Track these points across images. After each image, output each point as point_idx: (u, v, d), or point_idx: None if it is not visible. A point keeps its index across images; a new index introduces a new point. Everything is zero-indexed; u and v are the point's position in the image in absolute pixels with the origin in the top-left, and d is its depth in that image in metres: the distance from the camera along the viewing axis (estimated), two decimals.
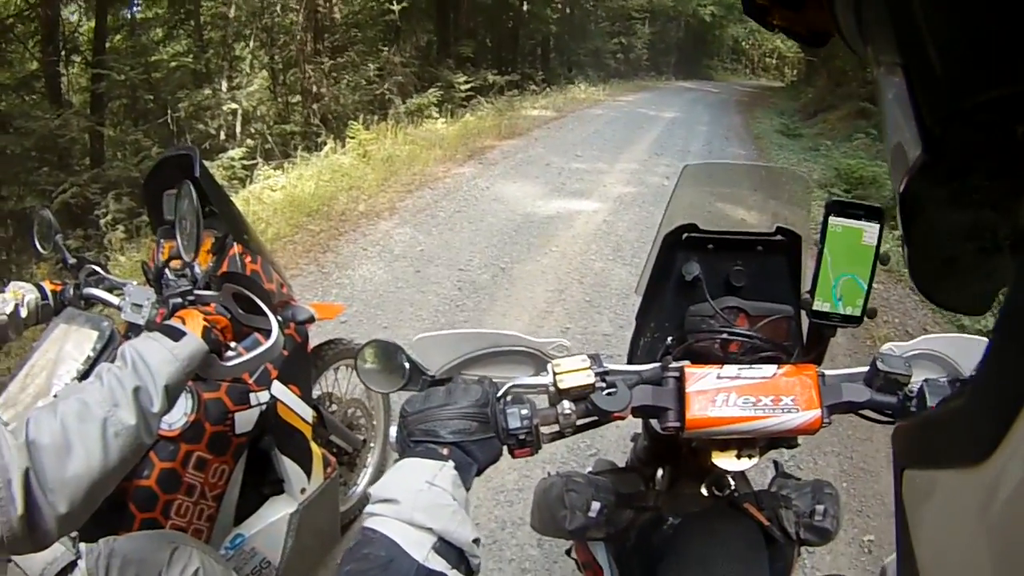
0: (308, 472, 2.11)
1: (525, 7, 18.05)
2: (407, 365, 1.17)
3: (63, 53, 11.03)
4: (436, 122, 10.32)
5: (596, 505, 1.13)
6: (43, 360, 1.82)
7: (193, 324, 1.39)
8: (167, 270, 1.83)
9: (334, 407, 2.60)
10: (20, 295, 2.07)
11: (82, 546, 1.56)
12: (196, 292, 1.67)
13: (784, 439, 1.05)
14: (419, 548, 0.82)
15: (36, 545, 1.11)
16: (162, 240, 2.24)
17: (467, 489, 0.93)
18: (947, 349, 1.19)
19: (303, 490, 2.08)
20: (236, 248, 2.03)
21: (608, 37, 23.37)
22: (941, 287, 0.42)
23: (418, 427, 0.98)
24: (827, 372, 0.97)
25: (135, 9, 12.25)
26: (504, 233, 5.67)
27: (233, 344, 1.56)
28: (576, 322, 4.05)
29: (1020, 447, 0.28)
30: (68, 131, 8.97)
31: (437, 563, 0.81)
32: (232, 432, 1.86)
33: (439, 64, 13.47)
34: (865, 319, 0.97)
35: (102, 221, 7.53)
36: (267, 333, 1.62)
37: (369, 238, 5.76)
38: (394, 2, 11.05)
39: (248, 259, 2.06)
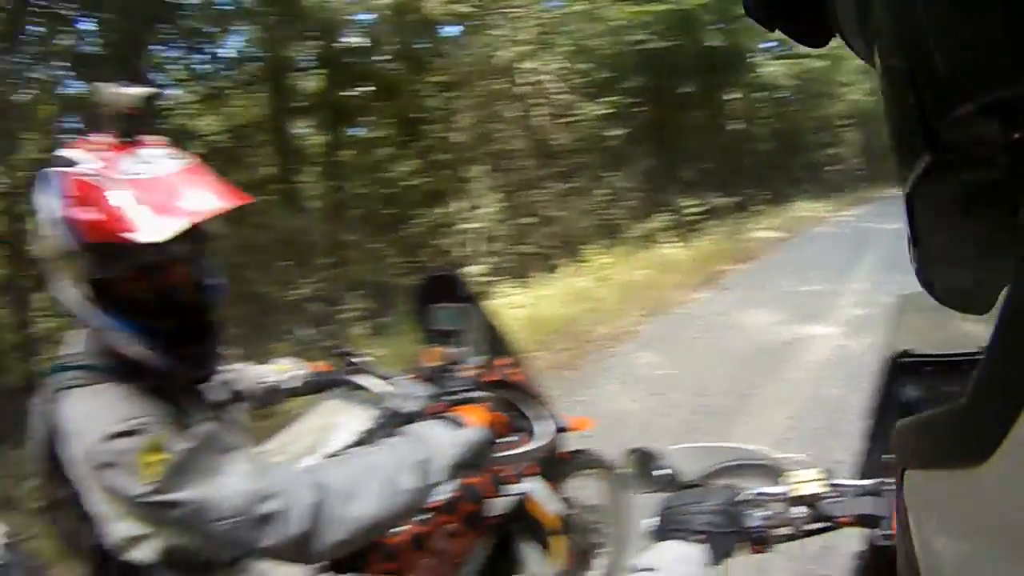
0: (543, 562, 2.45)
1: (735, 126, 19.17)
2: (664, 472, 1.48)
3: (298, 162, 12.82)
4: (669, 247, 11.31)
5: None
6: (310, 426, 2.26)
7: (475, 416, 1.67)
8: (439, 372, 2.25)
9: (574, 511, 2.87)
10: (288, 369, 2.46)
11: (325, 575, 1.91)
12: (472, 394, 2.00)
13: None
14: None
15: (302, 560, 1.43)
16: (429, 345, 2.63)
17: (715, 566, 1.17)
18: None
19: None
20: (502, 360, 2.42)
21: (818, 148, 24.17)
22: (945, 287, 0.45)
23: (675, 518, 1.24)
24: None
25: (364, 129, 14.08)
26: (742, 360, 6.03)
27: (506, 438, 1.86)
28: (813, 448, 4.15)
29: (1020, 448, 0.30)
30: (309, 233, 10.29)
31: None
32: (484, 514, 2.22)
33: (664, 189, 14.53)
34: None
35: (343, 317, 8.84)
36: (531, 435, 1.94)
37: (612, 360, 6.44)
38: (615, 129, 12.30)
39: (514, 370, 2.43)
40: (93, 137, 1.37)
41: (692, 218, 13.37)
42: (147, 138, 1.38)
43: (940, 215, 0.40)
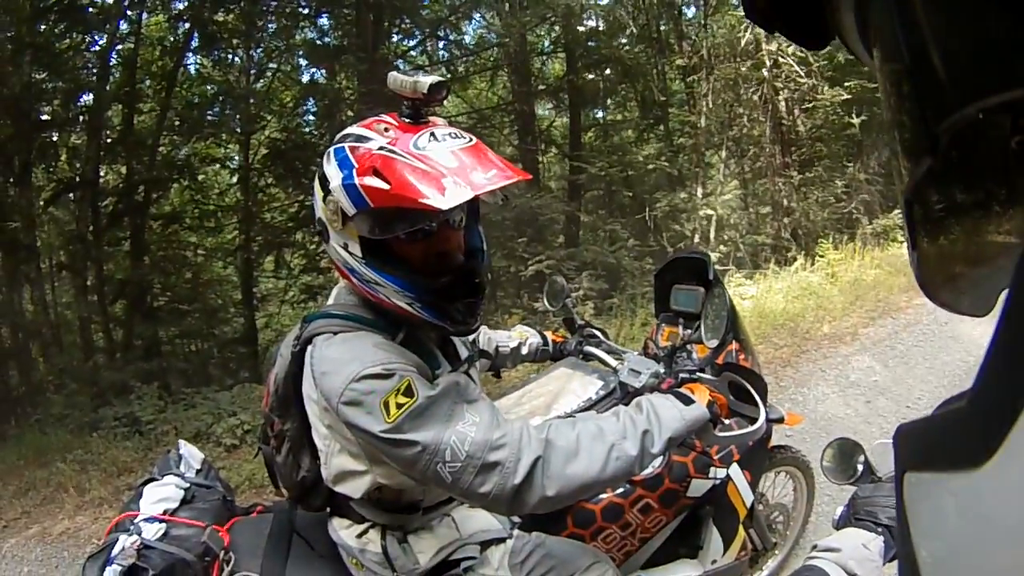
0: (726, 548, 2.44)
1: None
2: (861, 465, 1.57)
3: (539, 143, 13.50)
4: (901, 246, 10.60)
5: None
6: (542, 389, 2.29)
7: (700, 395, 1.67)
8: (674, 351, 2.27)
9: (762, 506, 2.93)
10: (525, 336, 2.55)
11: (515, 531, 1.93)
12: (700, 374, 2.02)
13: None
14: None
15: (512, 509, 1.46)
16: (663, 324, 2.71)
17: (884, 564, 1.21)
18: None
19: (714, 562, 2.42)
20: (734, 345, 2.47)
21: None
22: (945, 290, 0.45)
23: (864, 508, 1.32)
24: None
25: (604, 112, 14.59)
26: (955, 375, 5.90)
27: (726, 420, 1.87)
28: None
29: (1020, 450, 0.31)
30: (547, 211, 10.80)
31: None
32: (684, 493, 2.22)
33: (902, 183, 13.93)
34: None
35: (574, 295, 8.94)
36: (751, 420, 1.89)
37: (828, 361, 6.51)
38: (854, 115, 11.68)
39: (742, 356, 2.50)
40: (384, 117, 1.51)
41: None
42: (433, 119, 1.50)
43: (940, 218, 0.41)
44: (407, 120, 1.47)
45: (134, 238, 10.32)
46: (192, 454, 2.04)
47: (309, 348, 1.58)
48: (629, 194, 12.80)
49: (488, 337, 2.41)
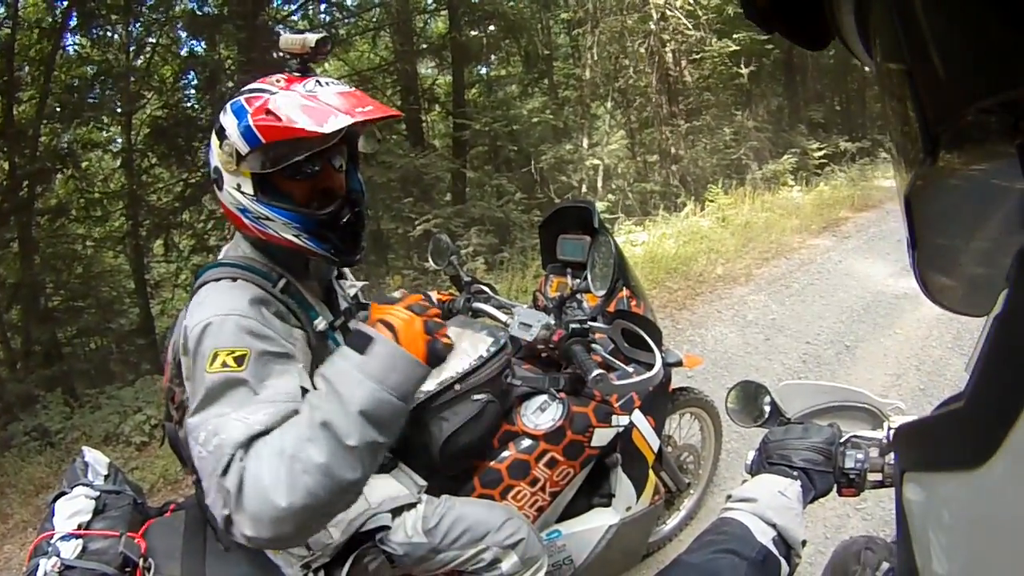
0: (639, 494, 2.47)
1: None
2: (767, 407, 1.54)
3: (423, 102, 13.23)
4: (791, 190, 11.30)
5: (885, 566, 1.20)
6: None
7: (397, 319, 1.46)
8: (563, 301, 2.28)
9: (670, 448, 2.99)
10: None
11: (424, 495, 1.96)
12: (591, 323, 2.09)
13: None
14: (763, 535, 1.09)
15: (239, 540, 1.28)
16: (551, 276, 2.74)
17: (803, 508, 1.20)
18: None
19: (628, 508, 2.44)
20: (624, 292, 2.49)
21: None
22: (945, 289, 0.45)
23: (776, 452, 1.30)
24: None
25: (488, 68, 14.38)
26: (852, 310, 6.14)
27: (629, 368, 1.95)
28: (910, 409, 3.93)
29: (1019, 450, 0.30)
30: (432, 170, 10.69)
31: (773, 550, 1.08)
32: (588, 444, 2.23)
33: (791, 129, 14.30)
34: None
35: (463, 252, 8.58)
36: (648, 366, 1.95)
37: (724, 302, 6.64)
38: (742, 65, 11.99)
39: (633, 303, 2.52)
40: (276, 75, 1.63)
41: (817, 162, 13.34)
42: (318, 71, 1.65)
43: (939, 217, 0.41)
44: (296, 74, 1.61)
45: (22, 237, 9.59)
46: (98, 460, 1.96)
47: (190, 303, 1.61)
48: (514, 148, 12.61)
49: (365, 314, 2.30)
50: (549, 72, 13.25)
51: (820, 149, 13.37)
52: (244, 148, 1.52)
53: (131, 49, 10.48)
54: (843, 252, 8.14)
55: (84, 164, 11.12)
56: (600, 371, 1.87)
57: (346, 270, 2.07)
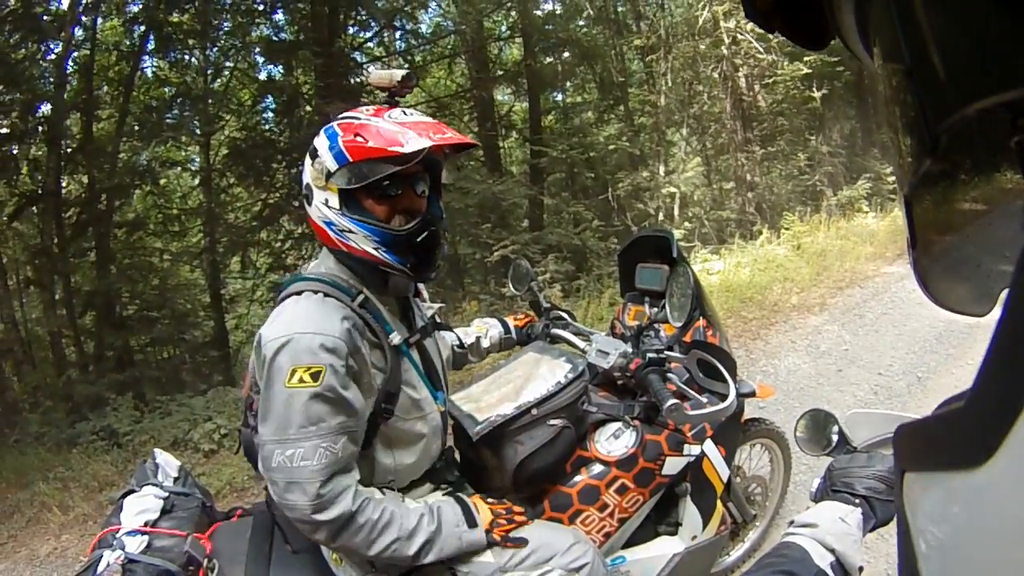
0: (705, 524, 2.41)
1: None
2: (835, 436, 1.54)
3: (500, 129, 13.35)
4: (866, 216, 11.16)
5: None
6: (511, 375, 2.21)
7: (484, 515, 1.82)
8: (641, 330, 2.29)
9: (739, 479, 2.93)
10: (484, 329, 2.61)
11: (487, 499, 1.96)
12: (668, 352, 2.09)
13: None
14: (822, 559, 1.12)
15: (304, 529, 1.67)
16: (629, 304, 2.71)
17: (863, 536, 1.20)
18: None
19: (694, 537, 2.38)
20: (701, 321, 2.43)
21: None
22: (945, 289, 0.45)
23: (840, 479, 1.30)
24: None
25: (564, 95, 14.34)
26: (925, 340, 6.02)
27: (704, 398, 1.94)
28: None
29: (1019, 450, 0.30)
30: (509, 196, 10.75)
31: (831, 573, 1.10)
32: (659, 472, 2.18)
33: (865, 153, 14.03)
34: None
35: (540, 278, 8.39)
36: (722, 397, 1.95)
37: (798, 331, 6.64)
38: (814, 88, 11.93)
39: (709, 332, 2.46)
40: (364, 106, 1.78)
41: (891, 186, 12.66)
42: (404, 104, 1.80)
43: (940, 218, 0.41)
44: (384, 104, 1.75)
45: (99, 248, 9.99)
46: (168, 462, 2.04)
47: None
48: (591, 175, 12.77)
49: (443, 335, 2.43)
50: (624, 99, 13.21)
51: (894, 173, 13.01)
52: (333, 166, 1.66)
53: (208, 72, 10.67)
54: (916, 282, 7.86)
55: (163, 181, 11.41)
56: (675, 400, 1.88)
57: (425, 293, 2.16)
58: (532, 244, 10.15)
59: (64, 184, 10.17)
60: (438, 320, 2.18)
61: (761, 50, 11.61)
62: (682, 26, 12.21)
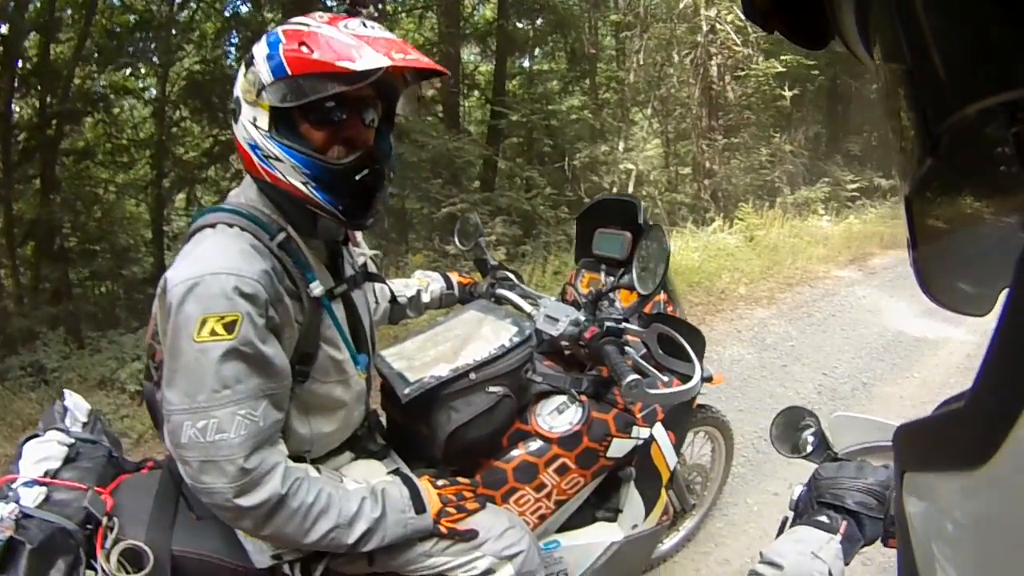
0: (648, 512, 2.31)
1: None
2: (812, 438, 1.45)
3: (462, 87, 13.07)
4: (821, 218, 11.24)
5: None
6: (449, 334, 2.05)
7: (431, 498, 1.68)
8: (597, 297, 2.17)
9: (680, 466, 2.83)
10: (425, 282, 2.48)
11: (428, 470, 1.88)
12: (626, 323, 1.96)
13: None
14: None
15: (224, 517, 1.47)
16: (583, 270, 2.57)
17: (846, 563, 1.12)
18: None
19: (634, 526, 2.28)
20: (662, 295, 2.32)
21: None
22: (946, 289, 0.44)
23: (829, 491, 1.22)
24: None
25: (531, 61, 14.28)
26: (872, 348, 5.99)
27: (665, 377, 1.80)
28: None
29: (1019, 451, 0.30)
30: (464, 154, 10.51)
31: None
32: (603, 454, 2.06)
33: (827, 159, 14.22)
34: None
35: (485, 240, 8.96)
36: (683, 377, 1.82)
37: (744, 322, 6.58)
38: (786, 88, 11.90)
39: (670, 308, 2.36)
40: (318, 12, 1.50)
41: (849, 194, 13.05)
42: (365, 13, 1.54)
43: (940, 218, 0.41)
44: (343, 13, 1.50)
45: (44, 175, 9.64)
46: (78, 405, 1.84)
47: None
48: (549, 143, 12.46)
49: (381, 287, 2.27)
50: (592, 72, 13.05)
51: (854, 182, 13.27)
52: (268, 78, 1.40)
53: (175, 2, 10.42)
54: (868, 288, 8.03)
55: (115, 110, 11.08)
56: (636, 376, 1.72)
57: (359, 237, 1.91)
58: (482, 204, 9.93)
59: (16, 108, 9.76)
60: (371, 270, 1.94)
61: (738, 43, 11.52)
62: (662, 7, 12.03)
